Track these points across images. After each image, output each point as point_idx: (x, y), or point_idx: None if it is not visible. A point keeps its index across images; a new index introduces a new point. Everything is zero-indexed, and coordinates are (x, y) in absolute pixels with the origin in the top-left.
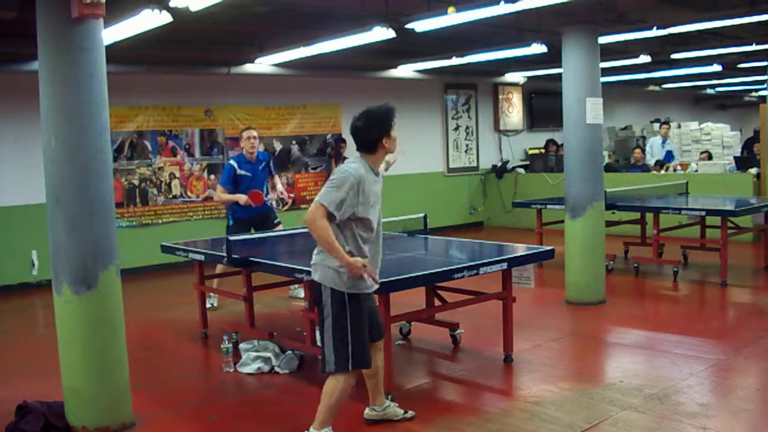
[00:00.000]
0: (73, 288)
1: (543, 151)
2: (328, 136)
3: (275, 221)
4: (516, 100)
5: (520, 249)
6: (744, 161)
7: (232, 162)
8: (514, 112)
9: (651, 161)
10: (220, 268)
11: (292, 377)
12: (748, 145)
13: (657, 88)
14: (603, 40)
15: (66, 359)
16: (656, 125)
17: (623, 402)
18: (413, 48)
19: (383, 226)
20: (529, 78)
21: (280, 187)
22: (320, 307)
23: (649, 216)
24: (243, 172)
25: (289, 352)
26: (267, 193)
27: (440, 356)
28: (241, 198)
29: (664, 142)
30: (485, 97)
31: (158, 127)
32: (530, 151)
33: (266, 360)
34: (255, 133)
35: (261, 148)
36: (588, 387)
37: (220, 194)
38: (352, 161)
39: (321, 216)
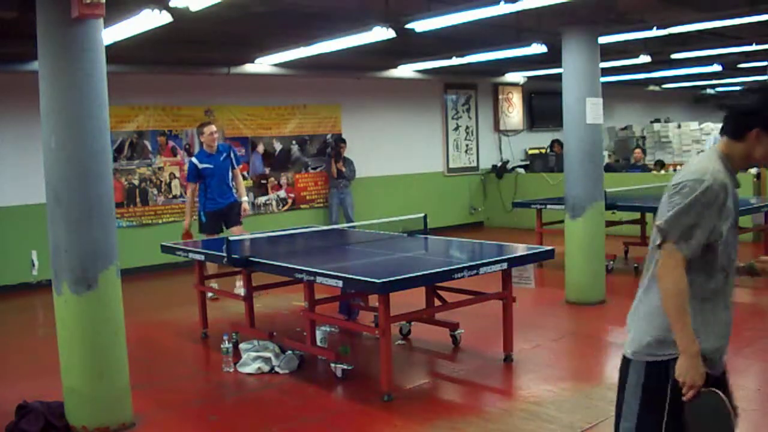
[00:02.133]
0: (73, 288)
1: (545, 151)
2: (328, 136)
3: (240, 218)
4: (516, 100)
5: (520, 249)
6: None
7: (193, 159)
8: (514, 112)
9: None
10: (211, 269)
11: (292, 377)
12: None
13: (657, 88)
14: (603, 40)
15: (66, 359)
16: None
17: None
18: (413, 48)
19: (382, 226)
20: (529, 78)
21: (242, 188)
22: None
23: (649, 216)
24: (204, 165)
25: (289, 352)
26: (230, 181)
27: (440, 356)
28: (184, 224)
29: None
30: (485, 97)
31: (158, 127)
32: (530, 151)
33: (266, 360)
34: (215, 128)
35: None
36: (588, 387)
37: (190, 194)
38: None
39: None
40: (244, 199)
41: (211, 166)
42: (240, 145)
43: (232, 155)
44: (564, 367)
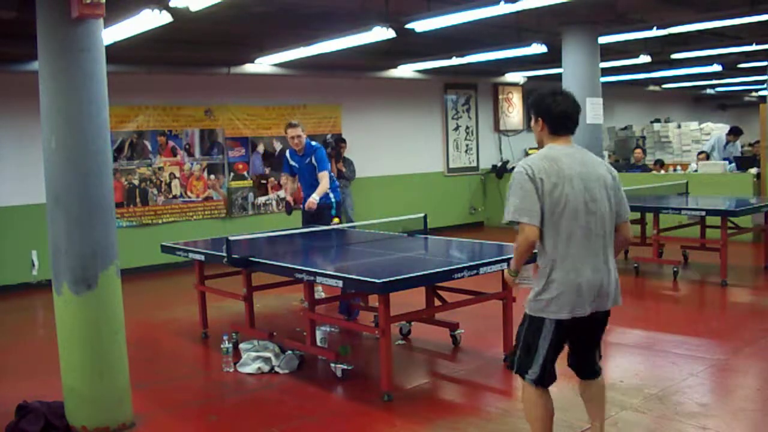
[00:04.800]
0: (73, 288)
1: None
2: (328, 136)
3: (332, 221)
4: (516, 100)
5: None
6: (744, 161)
7: (286, 153)
8: (514, 112)
9: (712, 152)
10: None
11: (292, 377)
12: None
13: (657, 88)
14: (603, 40)
15: (66, 359)
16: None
17: (623, 402)
18: (413, 48)
19: (382, 226)
20: (529, 78)
21: (320, 189)
22: None
23: (649, 216)
24: (293, 164)
25: (289, 352)
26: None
27: (440, 356)
28: (287, 192)
29: (727, 144)
30: (485, 97)
31: (158, 127)
32: (530, 151)
33: (266, 360)
34: (298, 132)
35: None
36: None
37: (284, 183)
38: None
39: None
40: (314, 196)
41: (297, 166)
42: (240, 145)
43: (313, 160)
44: (564, 367)
